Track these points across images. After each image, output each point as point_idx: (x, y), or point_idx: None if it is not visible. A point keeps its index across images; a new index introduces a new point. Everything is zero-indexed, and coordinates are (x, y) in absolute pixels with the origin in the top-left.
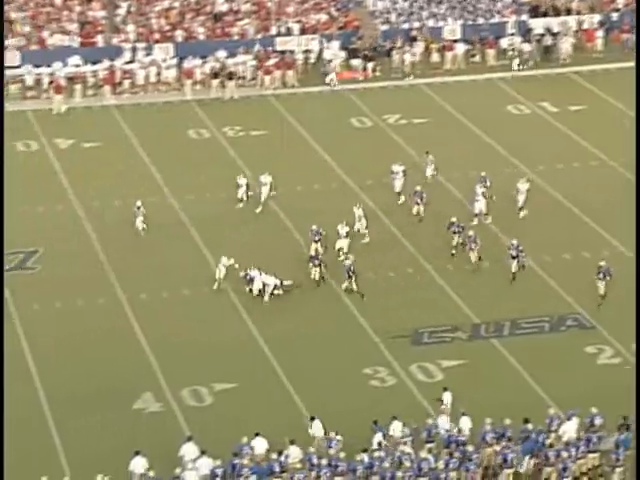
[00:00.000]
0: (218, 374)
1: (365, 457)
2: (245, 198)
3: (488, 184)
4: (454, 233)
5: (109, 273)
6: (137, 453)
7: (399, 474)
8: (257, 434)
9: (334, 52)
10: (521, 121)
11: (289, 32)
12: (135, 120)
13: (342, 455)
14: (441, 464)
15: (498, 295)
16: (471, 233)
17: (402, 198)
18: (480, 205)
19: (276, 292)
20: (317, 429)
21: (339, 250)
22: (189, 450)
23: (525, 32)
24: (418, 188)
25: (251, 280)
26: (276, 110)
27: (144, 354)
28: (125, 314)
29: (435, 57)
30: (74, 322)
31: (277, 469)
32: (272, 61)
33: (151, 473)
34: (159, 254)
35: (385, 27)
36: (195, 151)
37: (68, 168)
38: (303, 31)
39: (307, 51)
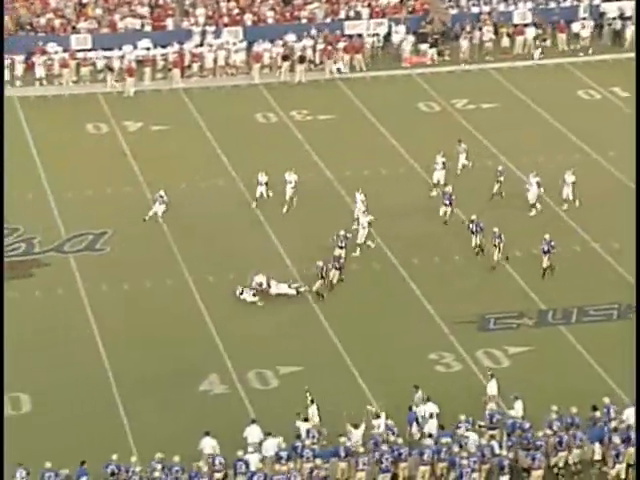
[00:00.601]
0: (284, 357)
1: (431, 442)
2: (265, 197)
3: (537, 179)
4: (472, 233)
5: (176, 255)
6: (207, 434)
7: (464, 461)
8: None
9: (402, 36)
10: (592, 106)
11: (358, 16)
12: (203, 103)
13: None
14: (504, 450)
15: (565, 281)
16: (496, 230)
17: (434, 192)
18: (533, 195)
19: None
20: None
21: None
22: (253, 432)
23: (598, 16)
24: (448, 189)
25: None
26: (344, 94)
27: (210, 336)
28: (192, 296)
29: (505, 41)
30: (142, 303)
31: (342, 453)
32: (340, 45)
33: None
34: (226, 237)
35: (455, 11)
36: (262, 135)
37: (136, 151)
38: (372, 15)
39: (375, 35)
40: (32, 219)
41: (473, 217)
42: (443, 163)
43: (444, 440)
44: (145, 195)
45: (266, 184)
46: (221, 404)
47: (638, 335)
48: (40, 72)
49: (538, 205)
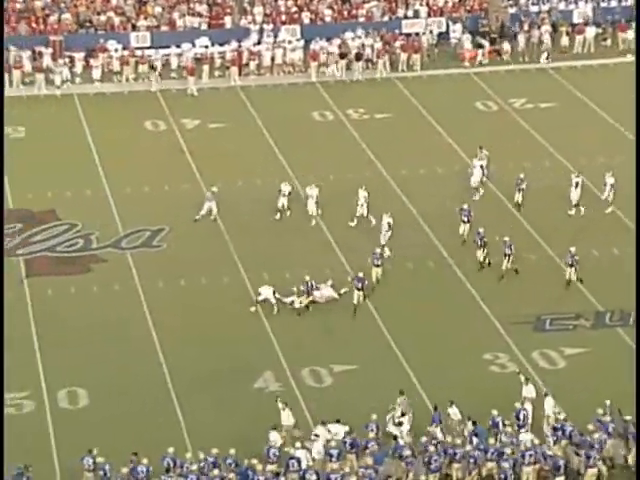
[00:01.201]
0: (338, 355)
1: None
2: (286, 208)
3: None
4: (478, 247)
5: (232, 252)
6: (274, 428)
7: (520, 460)
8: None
9: (459, 35)
10: None
11: (416, 14)
12: (260, 101)
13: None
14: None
15: (622, 283)
16: (507, 239)
17: (481, 191)
18: (576, 195)
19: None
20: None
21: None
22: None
23: None
24: (465, 206)
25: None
26: (401, 93)
27: (265, 334)
28: (248, 293)
29: (564, 40)
30: (197, 300)
31: (407, 452)
32: (398, 43)
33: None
34: (282, 235)
35: (513, 10)
36: (319, 133)
37: (194, 148)
38: (430, 13)
39: (430, 32)
40: (90, 215)
41: (480, 230)
42: (481, 166)
43: (492, 441)
44: (202, 192)
45: (289, 194)
46: (275, 401)
47: (638, 339)
48: (97, 74)
49: (581, 208)
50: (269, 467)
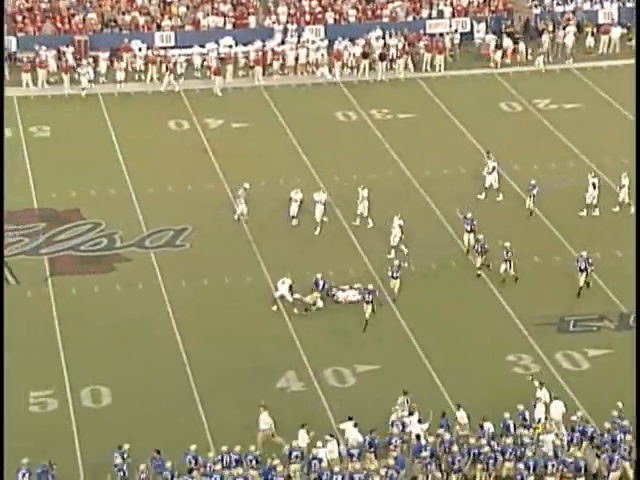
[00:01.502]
0: (361, 356)
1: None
2: (296, 215)
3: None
4: (479, 254)
5: (255, 252)
6: (302, 426)
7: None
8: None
9: (483, 35)
10: None
11: (440, 14)
12: (284, 101)
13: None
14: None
15: None
16: (507, 244)
17: (501, 196)
18: (591, 195)
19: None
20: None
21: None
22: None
23: None
24: (469, 215)
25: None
26: (424, 93)
27: (288, 333)
28: (271, 293)
29: (589, 41)
30: (221, 300)
31: (425, 453)
32: (421, 44)
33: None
34: (305, 235)
35: (538, 10)
36: (342, 133)
37: (217, 148)
38: (454, 13)
39: (455, 32)
40: (114, 214)
41: (480, 236)
42: (493, 167)
43: (509, 440)
44: (225, 192)
45: (301, 202)
46: (298, 401)
47: (638, 343)
48: (121, 76)
49: (596, 209)
50: (292, 467)
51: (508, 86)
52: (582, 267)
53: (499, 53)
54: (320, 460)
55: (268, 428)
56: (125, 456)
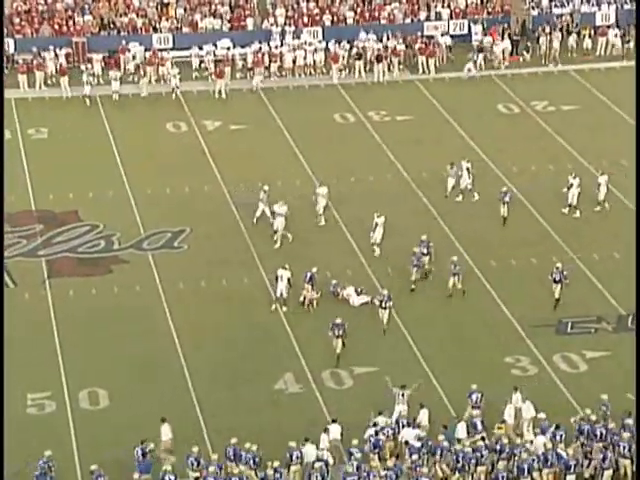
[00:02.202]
0: (359, 357)
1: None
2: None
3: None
4: (414, 266)
5: (253, 253)
6: (333, 420)
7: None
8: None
9: (480, 37)
10: None
11: (438, 17)
12: (282, 103)
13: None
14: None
15: None
16: (454, 258)
17: (476, 195)
18: (571, 195)
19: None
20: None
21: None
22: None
23: None
24: (424, 238)
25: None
26: (422, 95)
27: (286, 335)
28: (268, 294)
29: (587, 43)
30: (218, 301)
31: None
32: (418, 45)
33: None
34: (303, 236)
35: (535, 12)
36: (340, 135)
37: (215, 149)
38: (452, 15)
39: (446, 34)
40: (112, 216)
41: (415, 249)
42: (467, 169)
43: (506, 441)
44: (223, 194)
45: (286, 218)
46: (296, 403)
47: (638, 344)
48: (116, 85)
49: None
50: (292, 468)
51: (506, 88)
52: (557, 279)
53: (514, 51)
54: (326, 463)
55: (169, 439)
56: (145, 452)
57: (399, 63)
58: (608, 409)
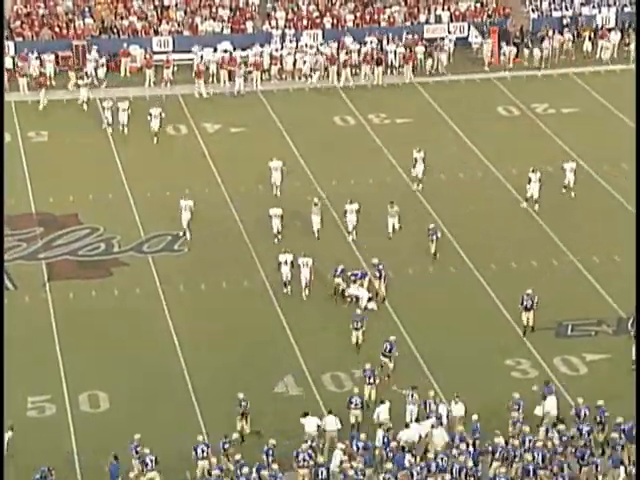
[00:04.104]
0: (359, 360)
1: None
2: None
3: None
4: (377, 278)
5: (253, 256)
6: (331, 412)
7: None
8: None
9: (480, 39)
10: None
11: (438, 19)
12: (282, 106)
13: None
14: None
15: None
16: (375, 260)
17: (418, 186)
18: (532, 189)
19: (370, 306)
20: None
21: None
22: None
23: None
24: (375, 261)
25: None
26: (422, 98)
27: (286, 338)
28: (269, 297)
29: (587, 45)
30: (218, 304)
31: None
32: (418, 48)
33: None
34: (303, 238)
35: (535, 15)
36: (340, 138)
37: (215, 152)
38: (452, 18)
39: (444, 38)
40: (112, 219)
41: (375, 260)
42: (422, 159)
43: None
44: (223, 196)
45: (278, 233)
46: (296, 406)
47: (638, 345)
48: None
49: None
50: (300, 471)
51: (506, 91)
52: (528, 306)
53: (515, 53)
54: (328, 469)
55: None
56: (137, 449)
57: (399, 66)
58: (604, 414)
